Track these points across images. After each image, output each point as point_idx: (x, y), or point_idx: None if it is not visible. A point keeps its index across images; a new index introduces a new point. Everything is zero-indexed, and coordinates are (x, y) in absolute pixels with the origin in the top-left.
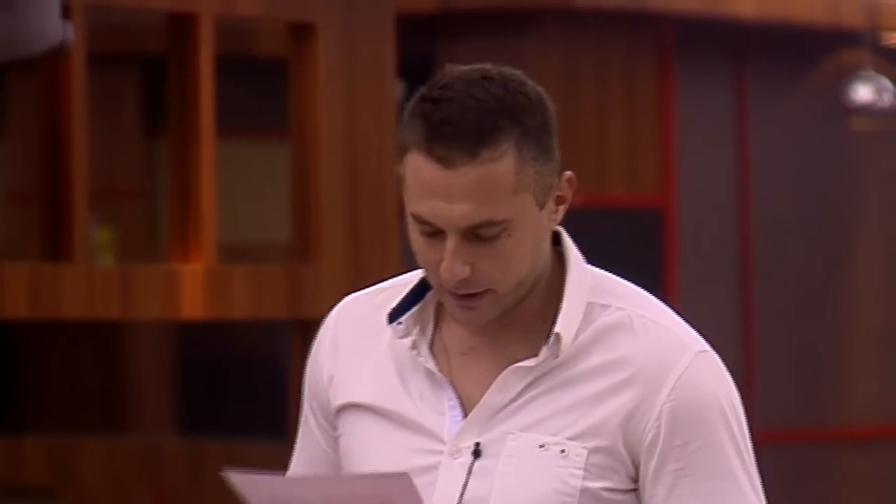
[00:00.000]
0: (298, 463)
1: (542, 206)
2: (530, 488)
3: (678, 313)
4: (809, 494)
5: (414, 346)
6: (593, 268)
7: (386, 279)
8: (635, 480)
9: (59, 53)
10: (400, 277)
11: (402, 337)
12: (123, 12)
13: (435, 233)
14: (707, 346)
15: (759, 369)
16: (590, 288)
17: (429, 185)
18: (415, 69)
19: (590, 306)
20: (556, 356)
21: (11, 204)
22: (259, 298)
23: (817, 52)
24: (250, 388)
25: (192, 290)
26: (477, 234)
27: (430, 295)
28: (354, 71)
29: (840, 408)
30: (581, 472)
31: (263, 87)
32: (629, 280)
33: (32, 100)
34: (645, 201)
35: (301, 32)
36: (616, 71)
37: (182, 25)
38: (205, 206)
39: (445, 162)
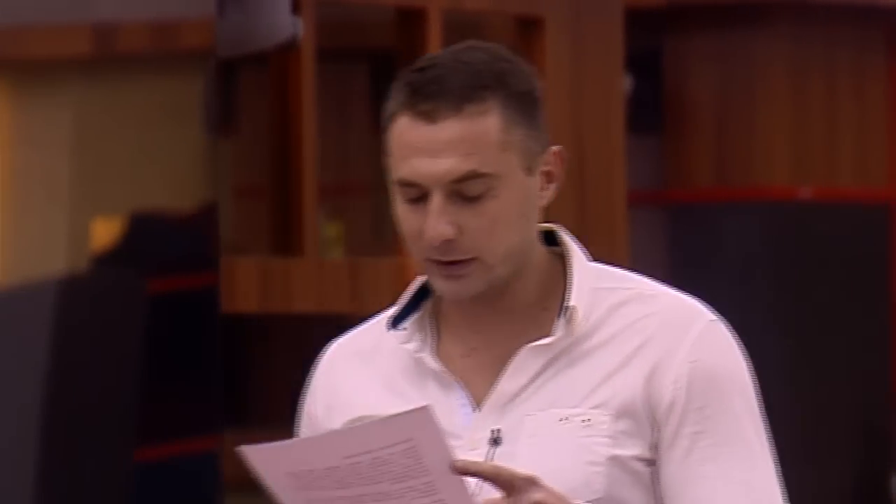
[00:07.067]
0: None
1: (528, 171)
2: (556, 465)
3: None
4: None
5: (418, 351)
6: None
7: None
8: (655, 449)
9: (289, 49)
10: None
11: (404, 342)
12: (352, 7)
13: (420, 198)
14: (717, 317)
15: None
16: (595, 276)
17: (413, 143)
18: (643, 63)
19: (596, 291)
20: (571, 334)
21: (242, 199)
22: None
23: None
24: None
25: None
26: (462, 193)
27: (428, 303)
28: (582, 65)
29: None
30: (606, 440)
31: None
32: (859, 274)
33: (263, 95)
34: (874, 195)
35: (529, 26)
36: (845, 65)
37: (411, 20)
38: None
39: (430, 116)
